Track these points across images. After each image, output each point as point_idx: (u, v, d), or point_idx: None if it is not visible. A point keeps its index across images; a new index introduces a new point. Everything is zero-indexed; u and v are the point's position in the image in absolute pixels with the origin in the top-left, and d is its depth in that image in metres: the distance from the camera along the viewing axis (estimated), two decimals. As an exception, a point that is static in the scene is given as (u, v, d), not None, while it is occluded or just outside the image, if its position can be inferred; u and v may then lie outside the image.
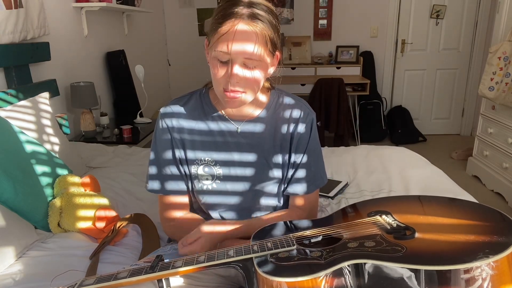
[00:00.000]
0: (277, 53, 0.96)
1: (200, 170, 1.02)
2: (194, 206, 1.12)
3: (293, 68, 4.01)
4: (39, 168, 1.36)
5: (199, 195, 1.05)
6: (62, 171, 1.46)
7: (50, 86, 2.12)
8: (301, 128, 1.02)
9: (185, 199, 1.07)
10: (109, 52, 2.95)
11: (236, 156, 1.02)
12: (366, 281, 0.72)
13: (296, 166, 1.04)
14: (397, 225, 0.84)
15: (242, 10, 0.85)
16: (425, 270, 0.68)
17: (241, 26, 0.85)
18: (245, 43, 0.85)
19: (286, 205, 1.10)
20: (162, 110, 1.04)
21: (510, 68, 2.54)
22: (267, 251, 0.79)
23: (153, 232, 1.29)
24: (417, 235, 0.79)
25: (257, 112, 1.02)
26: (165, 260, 0.83)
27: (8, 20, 1.80)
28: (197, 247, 0.90)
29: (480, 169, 3.05)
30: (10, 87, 1.89)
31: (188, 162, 1.03)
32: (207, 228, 0.95)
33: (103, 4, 2.55)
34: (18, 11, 1.85)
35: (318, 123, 1.08)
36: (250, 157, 1.02)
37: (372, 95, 4.07)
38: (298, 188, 1.05)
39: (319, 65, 4.04)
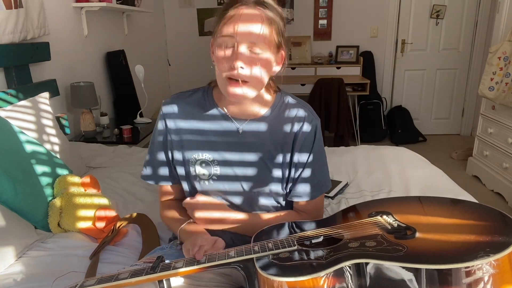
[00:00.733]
0: (282, 51, 0.96)
1: (198, 166, 1.01)
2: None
3: (293, 68, 4.01)
4: (39, 168, 1.36)
5: (201, 188, 1.05)
6: (62, 171, 1.46)
7: (50, 86, 2.12)
8: (305, 132, 1.01)
9: (175, 188, 1.11)
10: (109, 52, 2.95)
11: (235, 156, 1.01)
12: (367, 280, 0.72)
13: (300, 169, 1.02)
14: (398, 225, 0.84)
15: None
16: (426, 270, 0.68)
17: (247, 10, 0.86)
18: (251, 24, 0.85)
19: (288, 205, 1.09)
20: (163, 104, 1.04)
21: (510, 68, 2.54)
22: (268, 252, 0.79)
23: (153, 232, 1.29)
24: (418, 234, 0.79)
25: (260, 112, 1.01)
26: (166, 261, 0.83)
27: (8, 20, 1.80)
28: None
29: (480, 169, 3.05)
30: (10, 87, 1.89)
31: (185, 160, 1.03)
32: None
33: (103, 4, 2.55)
34: (18, 11, 1.85)
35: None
36: (251, 157, 1.01)
37: (372, 95, 4.07)
38: (303, 194, 1.04)
39: (319, 65, 4.04)
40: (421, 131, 4.23)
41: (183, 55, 4.37)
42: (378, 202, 1.00)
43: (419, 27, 4.07)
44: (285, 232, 0.91)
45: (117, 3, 2.79)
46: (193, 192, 1.07)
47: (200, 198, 1.03)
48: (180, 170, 1.05)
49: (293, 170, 1.03)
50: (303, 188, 1.03)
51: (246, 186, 1.02)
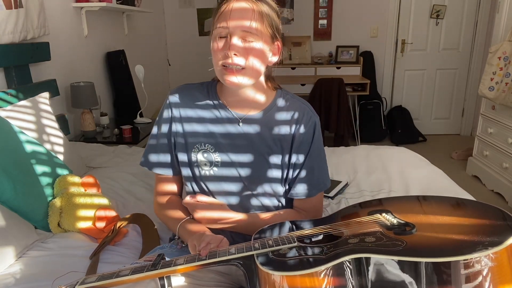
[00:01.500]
0: (277, 43, 0.98)
1: (200, 156, 1.03)
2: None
3: (293, 68, 4.02)
4: (39, 168, 1.36)
5: (200, 182, 1.06)
6: (62, 171, 1.46)
7: (50, 86, 2.12)
8: (304, 129, 1.02)
9: (172, 182, 1.12)
10: (109, 52, 2.95)
11: (235, 147, 1.02)
12: (367, 275, 0.73)
13: (299, 169, 1.04)
14: (397, 222, 0.85)
15: None
16: (425, 263, 0.69)
17: (238, 3, 0.90)
18: (242, 14, 0.90)
19: (289, 205, 1.10)
20: (170, 93, 1.07)
21: (510, 68, 2.54)
22: (268, 248, 0.80)
23: (153, 232, 1.29)
24: (417, 230, 0.80)
25: (260, 106, 1.03)
26: (166, 259, 0.83)
27: (8, 20, 1.80)
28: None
29: (480, 169, 3.05)
30: (10, 87, 1.89)
31: (188, 147, 1.04)
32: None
33: (103, 4, 2.55)
34: (18, 11, 1.85)
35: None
36: (250, 149, 1.02)
37: (372, 95, 4.07)
38: (301, 191, 1.05)
39: (319, 65, 4.04)
40: (421, 131, 4.23)
41: (183, 55, 4.37)
42: (377, 201, 1.01)
43: (419, 27, 4.07)
44: (285, 230, 0.91)
45: (117, 3, 2.79)
46: (193, 181, 1.07)
47: (201, 198, 1.04)
48: (183, 157, 1.05)
49: (292, 167, 1.04)
50: (302, 186, 1.04)
51: (245, 177, 1.03)
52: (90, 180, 1.45)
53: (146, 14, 3.68)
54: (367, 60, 4.10)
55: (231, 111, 1.03)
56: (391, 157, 1.92)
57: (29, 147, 1.38)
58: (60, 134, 1.75)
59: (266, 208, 1.07)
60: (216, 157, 1.02)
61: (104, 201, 1.40)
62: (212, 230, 1.02)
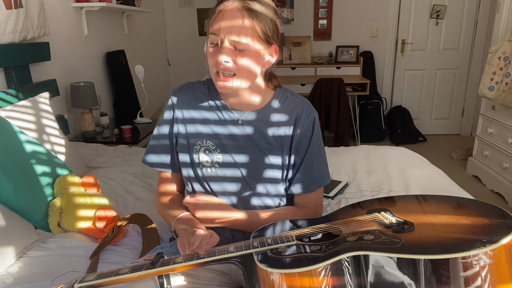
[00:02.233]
0: (274, 45, 0.98)
1: (201, 154, 1.04)
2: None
3: (293, 68, 4.02)
4: (39, 168, 1.36)
5: (201, 181, 1.06)
6: (62, 171, 1.46)
7: (50, 86, 2.12)
8: (303, 125, 1.03)
9: (174, 180, 1.14)
10: (109, 52, 2.95)
11: (236, 145, 1.03)
12: (365, 274, 0.73)
13: (299, 165, 1.05)
14: (396, 220, 0.85)
15: None
16: (423, 261, 0.69)
17: (230, 5, 0.90)
18: (232, 20, 0.90)
19: (290, 203, 1.10)
20: (172, 93, 1.09)
21: (510, 68, 2.54)
22: (267, 247, 0.80)
23: (153, 232, 1.29)
24: (415, 228, 0.80)
25: (260, 104, 1.04)
26: (165, 257, 0.83)
27: (8, 20, 1.80)
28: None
29: (480, 169, 3.05)
30: (10, 87, 1.89)
31: (190, 148, 1.05)
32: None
33: (103, 4, 2.55)
34: (18, 11, 1.85)
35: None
36: (250, 146, 1.03)
37: (372, 95, 4.07)
38: (300, 187, 1.05)
39: (319, 65, 4.04)
40: (421, 131, 4.23)
41: (183, 55, 4.37)
42: (376, 200, 1.01)
43: (419, 27, 4.07)
44: (284, 229, 0.92)
45: (117, 3, 2.79)
46: (194, 181, 1.07)
47: (201, 198, 1.04)
48: (184, 157, 1.06)
49: (292, 164, 1.05)
50: (302, 181, 1.05)
51: (245, 176, 1.03)
52: (90, 180, 1.45)
53: (146, 14, 3.68)
54: (367, 60, 4.10)
55: (231, 109, 1.04)
56: (391, 157, 1.92)
57: (29, 147, 1.38)
58: (60, 134, 1.75)
59: (267, 207, 1.07)
60: (218, 156, 1.03)
61: (104, 201, 1.40)
62: (213, 228, 1.02)
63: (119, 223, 1.31)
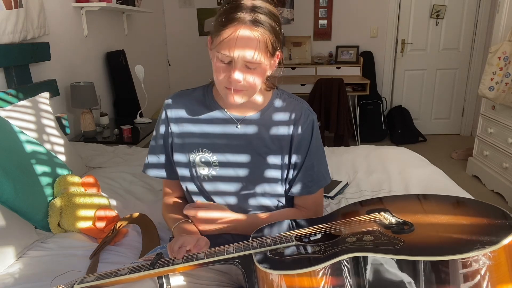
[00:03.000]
0: (278, 53, 0.97)
1: (198, 159, 1.04)
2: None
3: (293, 68, 4.02)
4: (39, 168, 1.36)
5: (198, 183, 1.06)
6: (62, 171, 1.46)
7: (50, 86, 2.12)
8: (302, 127, 1.03)
9: (177, 185, 1.14)
10: (109, 52, 2.95)
11: (233, 148, 1.03)
12: (365, 275, 0.73)
13: (299, 168, 1.04)
14: (395, 220, 0.85)
15: (245, 15, 0.87)
16: (423, 262, 0.69)
17: (243, 32, 0.87)
18: (246, 49, 0.88)
19: (289, 204, 1.10)
20: (166, 101, 1.08)
21: (510, 68, 2.54)
22: (267, 247, 0.80)
23: (153, 232, 1.29)
24: (415, 229, 0.80)
25: (257, 107, 1.04)
26: (164, 258, 0.83)
27: (8, 20, 1.80)
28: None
29: (480, 169, 3.05)
30: (10, 87, 1.89)
31: (185, 148, 1.05)
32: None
33: (103, 4, 2.55)
34: (18, 11, 1.85)
35: (318, 123, 1.10)
36: (249, 150, 1.03)
37: (372, 95, 4.07)
38: (301, 189, 1.05)
39: (319, 65, 4.04)
40: (421, 131, 4.23)
41: (183, 55, 4.37)
42: (376, 200, 1.01)
43: (419, 27, 4.07)
44: (283, 229, 0.91)
45: (117, 3, 2.79)
46: (190, 181, 1.07)
47: (199, 203, 1.05)
48: (180, 157, 1.06)
49: (291, 167, 1.05)
50: (302, 183, 1.05)
51: (244, 178, 1.03)
52: (90, 180, 1.45)
53: (146, 14, 3.68)
54: (367, 60, 4.10)
55: (228, 113, 1.03)
56: (391, 157, 1.92)
57: (29, 147, 1.38)
58: (60, 134, 1.75)
59: (266, 208, 1.07)
60: (214, 160, 1.03)
61: (104, 201, 1.40)
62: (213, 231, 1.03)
63: (119, 223, 1.31)
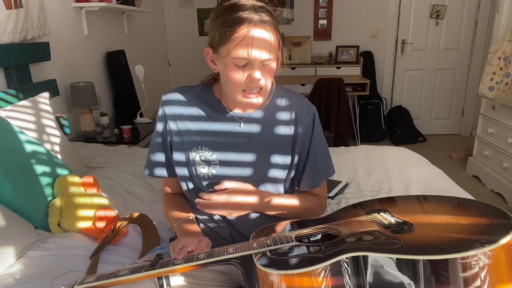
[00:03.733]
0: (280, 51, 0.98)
1: (197, 157, 1.02)
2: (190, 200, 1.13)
3: (293, 68, 4.02)
4: (39, 168, 1.36)
5: (197, 181, 1.05)
6: (62, 171, 1.46)
7: (50, 86, 2.12)
8: (304, 124, 1.03)
9: (177, 182, 1.12)
10: (109, 52, 2.95)
11: (235, 147, 1.02)
12: (364, 275, 0.73)
13: (304, 162, 1.05)
14: (395, 220, 0.85)
15: (250, 15, 0.86)
16: (422, 261, 0.69)
17: (257, 32, 0.87)
18: (262, 48, 0.88)
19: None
20: (163, 97, 1.07)
21: (510, 68, 2.54)
22: (267, 248, 0.80)
23: (153, 232, 1.29)
24: (414, 229, 0.80)
25: (259, 105, 1.02)
26: (165, 258, 0.83)
27: (8, 20, 1.80)
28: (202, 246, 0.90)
29: (480, 169, 3.05)
30: (10, 87, 1.89)
31: (184, 147, 1.03)
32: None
33: (103, 4, 2.55)
34: (18, 11, 1.85)
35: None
36: (250, 149, 1.02)
37: (372, 95, 4.07)
38: (308, 184, 1.07)
39: (319, 65, 4.04)
40: (421, 131, 4.23)
41: (183, 55, 4.37)
42: (376, 200, 1.01)
43: (419, 27, 4.07)
44: (283, 229, 0.91)
45: (117, 3, 2.79)
46: (190, 181, 1.06)
47: (214, 195, 0.99)
48: (180, 156, 1.05)
49: (295, 163, 1.05)
50: (308, 178, 1.06)
51: (246, 176, 1.02)
52: (90, 180, 1.45)
53: (146, 14, 3.68)
54: (367, 60, 4.10)
55: (229, 112, 1.02)
56: (391, 157, 1.92)
57: (29, 147, 1.38)
58: (60, 134, 1.75)
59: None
60: (214, 158, 1.02)
61: (104, 201, 1.40)
62: (212, 231, 1.03)
63: (119, 223, 1.31)
